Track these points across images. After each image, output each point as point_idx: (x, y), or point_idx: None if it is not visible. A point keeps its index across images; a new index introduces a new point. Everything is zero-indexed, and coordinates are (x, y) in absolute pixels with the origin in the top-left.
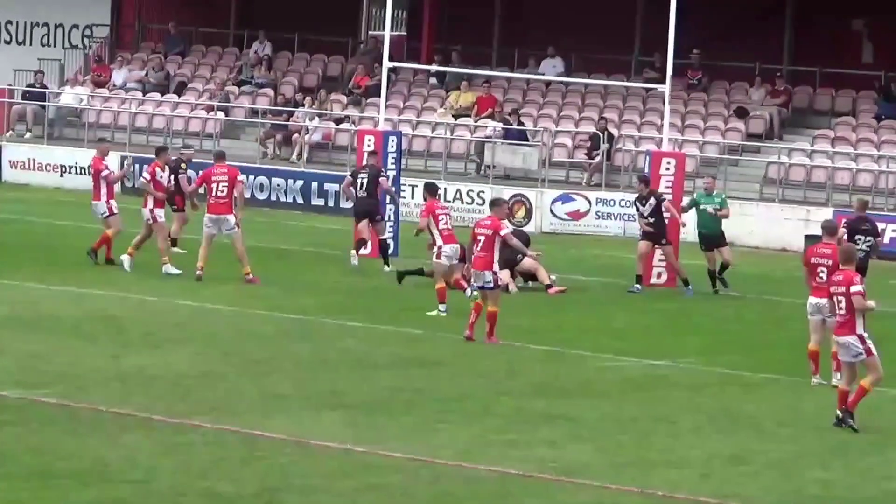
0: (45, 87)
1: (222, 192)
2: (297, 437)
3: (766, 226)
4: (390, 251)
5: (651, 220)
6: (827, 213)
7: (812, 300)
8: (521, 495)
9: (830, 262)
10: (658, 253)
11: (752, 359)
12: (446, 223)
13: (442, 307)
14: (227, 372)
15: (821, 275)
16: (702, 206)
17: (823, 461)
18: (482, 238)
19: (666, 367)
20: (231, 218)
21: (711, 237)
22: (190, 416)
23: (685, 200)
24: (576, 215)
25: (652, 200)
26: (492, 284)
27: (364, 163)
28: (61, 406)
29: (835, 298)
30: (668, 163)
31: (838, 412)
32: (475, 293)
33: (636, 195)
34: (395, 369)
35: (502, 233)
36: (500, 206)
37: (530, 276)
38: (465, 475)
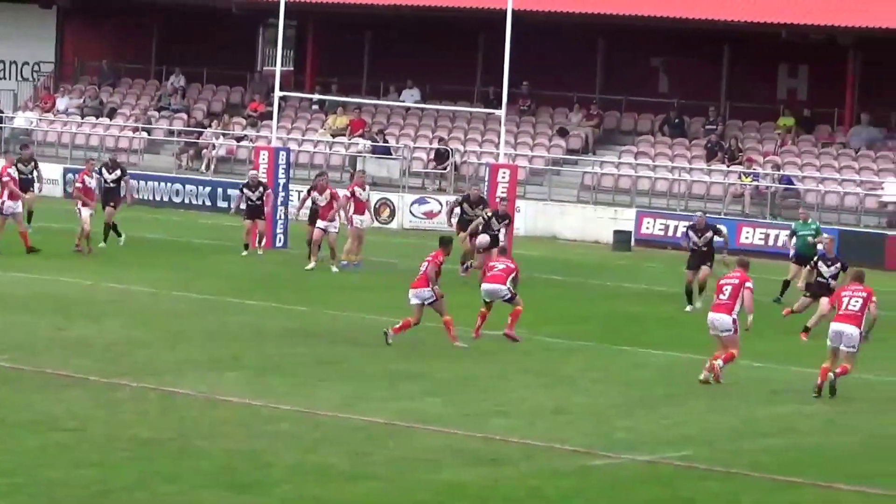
0: (2, 112)
1: None
2: (205, 393)
3: (582, 223)
4: (280, 244)
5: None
6: (631, 214)
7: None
8: (386, 439)
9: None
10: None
11: (570, 329)
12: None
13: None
14: (148, 340)
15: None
16: (800, 233)
17: (629, 412)
18: (502, 266)
19: (500, 337)
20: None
21: (806, 257)
22: (118, 376)
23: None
24: (430, 215)
25: (506, 222)
26: (508, 296)
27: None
28: (13, 369)
29: (850, 299)
30: (504, 173)
31: (820, 386)
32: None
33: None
34: (283, 339)
35: (517, 273)
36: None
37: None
38: (340, 424)
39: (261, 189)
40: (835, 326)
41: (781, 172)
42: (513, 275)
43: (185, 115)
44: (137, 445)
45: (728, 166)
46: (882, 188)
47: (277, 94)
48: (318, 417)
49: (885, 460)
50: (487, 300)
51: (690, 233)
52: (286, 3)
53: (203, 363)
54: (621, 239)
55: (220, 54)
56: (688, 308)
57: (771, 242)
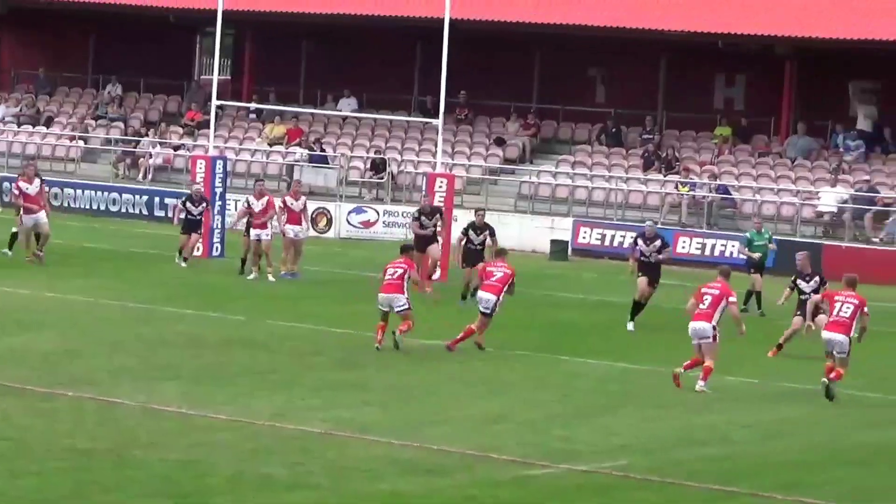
0: None
1: None
2: (142, 403)
3: (519, 232)
4: (217, 253)
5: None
6: (568, 223)
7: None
8: (322, 449)
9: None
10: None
11: (508, 338)
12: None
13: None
14: (84, 350)
15: (845, 309)
16: (756, 243)
17: (567, 421)
18: (500, 274)
19: (439, 346)
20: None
21: (760, 265)
22: (55, 386)
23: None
24: (367, 224)
25: (487, 232)
26: (489, 311)
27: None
28: None
29: (842, 305)
30: (442, 182)
31: (825, 380)
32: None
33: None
34: (220, 348)
35: (513, 279)
36: (506, 255)
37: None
38: (278, 433)
39: (204, 204)
40: (825, 335)
41: (718, 182)
42: (510, 281)
43: (122, 124)
44: (75, 455)
45: (665, 176)
46: (818, 198)
47: (214, 102)
48: (256, 427)
49: (821, 470)
50: (482, 308)
51: (639, 241)
52: (223, 12)
53: (140, 373)
54: (558, 248)
55: (157, 63)
56: (629, 326)
57: (708, 252)
